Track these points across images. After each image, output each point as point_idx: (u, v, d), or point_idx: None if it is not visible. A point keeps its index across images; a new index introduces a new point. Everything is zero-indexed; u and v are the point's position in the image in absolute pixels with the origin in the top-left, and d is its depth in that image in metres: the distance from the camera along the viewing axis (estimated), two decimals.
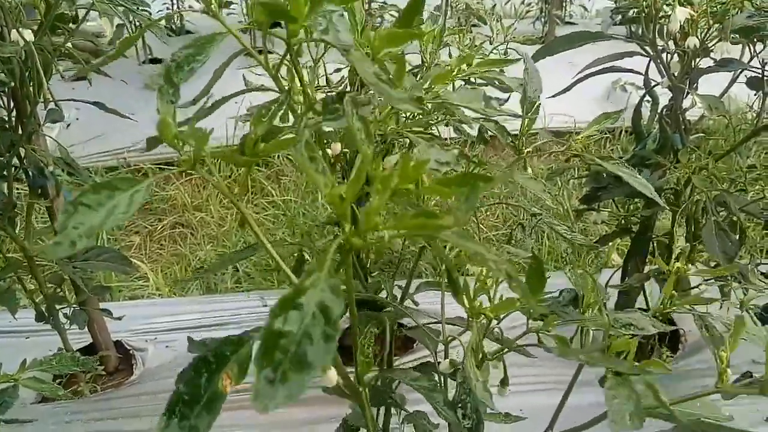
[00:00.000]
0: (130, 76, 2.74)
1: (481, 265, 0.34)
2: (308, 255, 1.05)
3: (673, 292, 0.55)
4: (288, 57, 0.39)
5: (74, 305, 1.13)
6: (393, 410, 0.86)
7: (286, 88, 0.39)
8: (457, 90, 0.46)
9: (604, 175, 1.27)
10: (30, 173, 1.02)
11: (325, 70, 0.69)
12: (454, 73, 0.48)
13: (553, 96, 1.18)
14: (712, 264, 1.15)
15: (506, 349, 0.52)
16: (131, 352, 1.30)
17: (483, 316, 0.45)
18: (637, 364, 0.46)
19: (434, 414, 0.80)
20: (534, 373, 1.27)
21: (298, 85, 0.39)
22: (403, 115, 0.52)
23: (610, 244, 1.33)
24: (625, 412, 0.41)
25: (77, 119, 2.61)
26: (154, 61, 3.29)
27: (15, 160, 1.00)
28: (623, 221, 1.29)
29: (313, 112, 0.34)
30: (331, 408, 1.09)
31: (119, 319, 1.16)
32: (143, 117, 2.93)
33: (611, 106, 2.78)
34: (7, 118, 0.95)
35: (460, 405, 0.49)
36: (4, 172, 0.99)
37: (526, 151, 0.72)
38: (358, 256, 1.07)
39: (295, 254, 1.05)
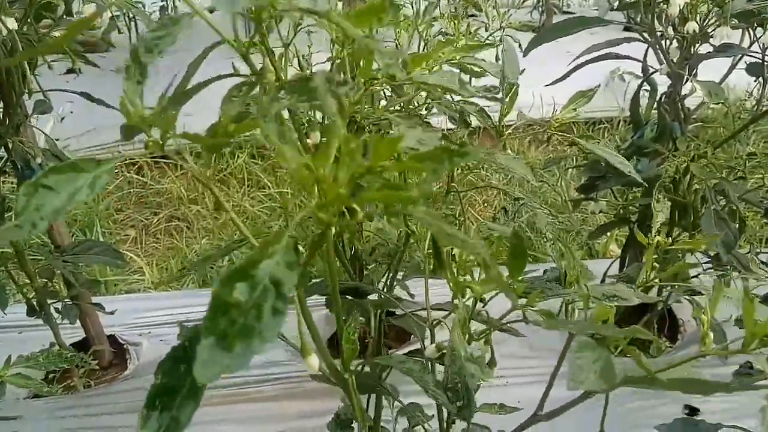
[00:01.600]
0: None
1: (456, 247, 0.32)
2: (302, 247, 1.05)
3: (655, 264, 0.54)
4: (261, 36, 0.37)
5: (66, 299, 1.12)
6: (385, 403, 0.85)
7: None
8: (434, 72, 0.45)
9: (602, 164, 1.25)
10: (18, 166, 1.00)
11: (297, 53, 0.67)
12: (434, 56, 0.47)
13: (549, 84, 1.17)
14: (711, 254, 1.13)
15: (492, 329, 0.51)
16: (125, 346, 1.29)
17: (469, 291, 0.44)
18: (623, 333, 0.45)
19: (427, 406, 0.79)
20: (533, 365, 1.26)
21: (270, 65, 0.37)
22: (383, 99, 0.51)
23: (609, 234, 1.31)
24: (589, 371, 0.40)
25: (71, 113, 2.58)
26: None
27: (2, 153, 0.99)
28: (621, 211, 1.27)
29: (285, 93, 0.32)
30: (326, 401, 1.08)
31: (111, 313, 1.14)
32: None
33: (610, 95, 2.75)
34: None
35: (450, 386, 0.47)
36: None
37: (506, 133, 0.71)
38: (354, 250, 1.06)
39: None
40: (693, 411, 1.13)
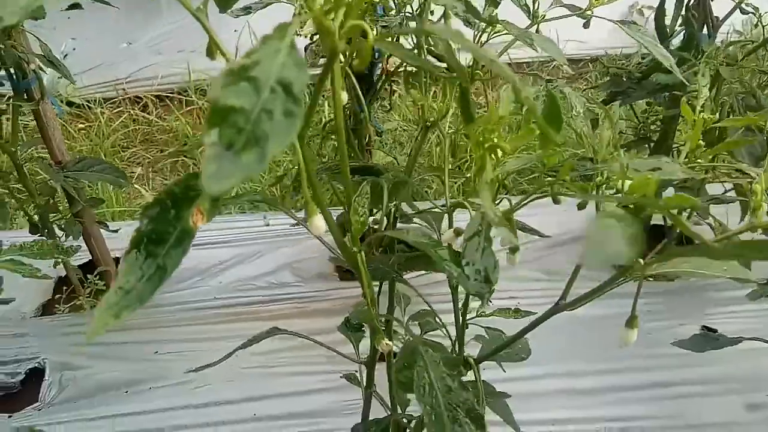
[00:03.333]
0: (126, 4, 2.64)
1: (486, 64, 0.28)
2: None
3: (700, 142, 0.49)
4: None
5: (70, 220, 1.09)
6: (399, 310, 0.83)
7: None
8: None
9: (623, 78, 1.20)
10: (12, 74, 0.96)
11: None
12: None
13: None
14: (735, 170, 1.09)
15: (518, 207, 0.47)
16: None
17: (496, 151, 0.39)
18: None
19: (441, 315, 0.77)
20: (545, 287, 1.23)
21: None
22: None
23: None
24: (608, 241, 0.36)
25: (74, 49, 2.53)
26: None
27: None
28: (642, 130, 1.22)
29: None
30: (330, 319, 1.06)
31: (116, 231, 1.12)
32: (141, 46, 2.81)
33: (628, 30, 2.64)
34: None
35: (467, 263, 0.44)
36: None
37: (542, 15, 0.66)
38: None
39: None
40: (710, 332, 1.10)
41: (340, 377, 0.83)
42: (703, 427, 0.98)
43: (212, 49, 0.38)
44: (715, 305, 1.17)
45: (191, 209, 0.34)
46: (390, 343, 0.49)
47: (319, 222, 0.41)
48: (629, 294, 1.20)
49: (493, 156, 0.40)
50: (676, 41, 1.20)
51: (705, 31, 1.11)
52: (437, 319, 0.77)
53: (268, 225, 1.39)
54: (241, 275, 1.25)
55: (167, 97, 2.38)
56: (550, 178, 0.47)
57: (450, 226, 0.55)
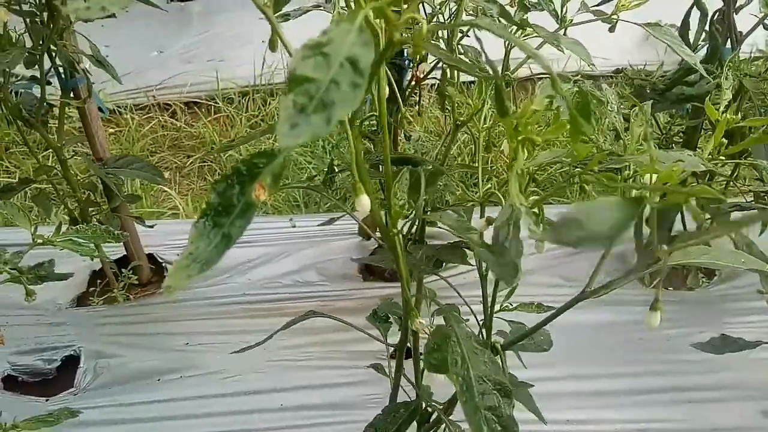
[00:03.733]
0: (157, 14, 2.72)
1: (522, 49, 0.31)
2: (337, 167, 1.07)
3: (723, 140, 0.52)
4: None
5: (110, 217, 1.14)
6: (425, 304, 0.86)
7: None
8: None
9: (647, 90, 1.22)
10: (62, 73, 1.01)
11: None
12: None
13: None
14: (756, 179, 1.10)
15: (547, 197, 0.50)
16: (163, 264, 1.31)
17: (528, 144, 0.43)
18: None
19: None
20: (565, 293, 1.25)
21: None
22: None
23: None
24: (592, 220, 0.38)
25: (106, 56, 2.60)
26: None
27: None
28: (664, 141, 1.25)
29: None
30: (354, 317, 1.09)
31: (151, 227, 1.16)
32: (171, 54, 2.87)
33: (649, 48, 2.67)
34: (38, 12, 0.94)
35: (498, 246, 0.47)
36: (36, 75, 0.98)
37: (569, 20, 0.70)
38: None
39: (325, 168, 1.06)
40: None
41: (366, 367, 0.86)
42: (718, 431, 1.00)
43: (275, 42, 0.42)
44: (734, 315, 1.19)
45: (254, 184, 0.38)
46: (424, 321, 0.52)
47: (365, 201, 0.45)
48: (640, 302, 1.23)
49: (525, 148, 0.43)
50: (699, 55, 1.22)
51: (729, 45, 1.14)
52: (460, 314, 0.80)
53: (294, 227, 1.43)
54: (268, 274, 1.29)
55: (195, 104, 2.44)
56: (578, 170, 0.50)
57: (481, 217, 0.59)
